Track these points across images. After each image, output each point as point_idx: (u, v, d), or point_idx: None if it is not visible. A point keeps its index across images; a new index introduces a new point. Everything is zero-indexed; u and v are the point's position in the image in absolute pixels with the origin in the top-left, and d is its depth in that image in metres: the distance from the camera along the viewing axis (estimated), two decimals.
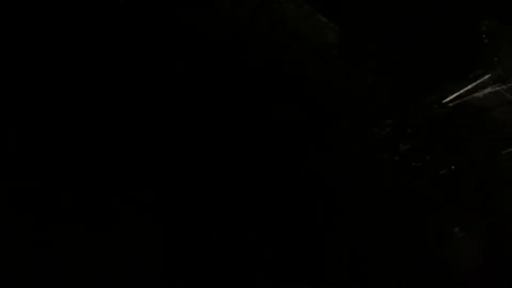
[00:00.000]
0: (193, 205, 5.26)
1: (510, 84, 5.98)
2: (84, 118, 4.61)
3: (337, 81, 6.45)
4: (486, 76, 5.99)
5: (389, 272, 7.32)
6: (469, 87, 6.17)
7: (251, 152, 6.06)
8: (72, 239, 4.23)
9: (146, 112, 5.14)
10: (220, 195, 5.49)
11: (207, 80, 5.73)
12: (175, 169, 5.24)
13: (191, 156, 5.44)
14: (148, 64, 5.16)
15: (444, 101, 6.46)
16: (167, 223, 5.01)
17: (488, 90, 6.11)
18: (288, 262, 5.93)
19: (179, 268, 4.96)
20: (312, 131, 6.86)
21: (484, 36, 5.83)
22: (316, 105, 6.74)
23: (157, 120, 5.18)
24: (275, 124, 6.37)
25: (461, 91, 6.25)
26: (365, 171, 7.40)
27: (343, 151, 7.28)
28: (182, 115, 5.42)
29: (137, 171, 4.91)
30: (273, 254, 5.87)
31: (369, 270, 7.42)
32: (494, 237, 7.29)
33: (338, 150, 7.19)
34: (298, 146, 6.75)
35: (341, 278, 6.43)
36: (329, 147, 7.04)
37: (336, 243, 6.85)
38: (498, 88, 6.05)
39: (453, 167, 7.34)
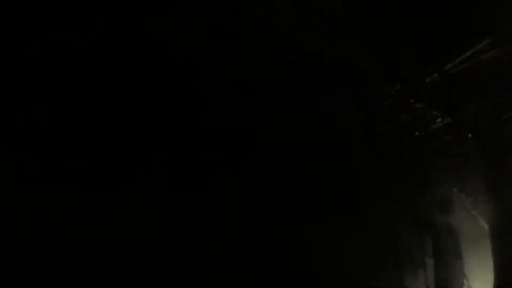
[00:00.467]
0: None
1: (509, 49, 6.01)
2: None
3: (335, 54, 6.48)
4: (486, 41, 6.01)
5: None
6: (469, 53, 6.20)
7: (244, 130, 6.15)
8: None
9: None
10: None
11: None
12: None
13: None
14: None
15: (444, 68, 6.50)
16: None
17: (488, 55, 6.14)
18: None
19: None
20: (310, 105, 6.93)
21: (483, 2, 5.85)
22: (314, 78, 6.78)
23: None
24: (267, 97, 6.42)
25: (461, 57, 6.28)
26: (367, 143, 7.51)
27: (344, 124, 7.36)
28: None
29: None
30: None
31: None
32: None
33: (339, 123, 7.27)
34: (296, 121, 6.82)
35: None
36: (329, 120, 7.11)
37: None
38: (497, 53, 6.08)
39: (456, 134, 7.43)
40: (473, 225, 8.31)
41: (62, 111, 4.32)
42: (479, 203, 8.06)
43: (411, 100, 7.09)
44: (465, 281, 8.01)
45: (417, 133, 7.54)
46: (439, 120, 7.49)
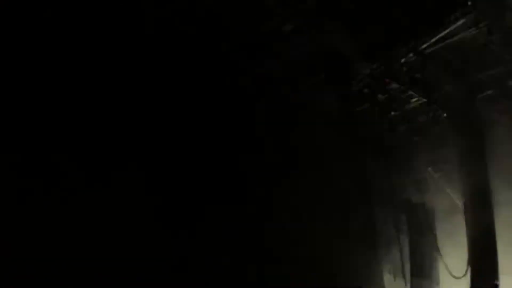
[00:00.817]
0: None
1: (485, 28, 5.97)
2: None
3: (309, 33, 6.38)
4: (461, 21, 5.96)
5: None
6: (444, 33, 6.14)
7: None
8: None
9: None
10: None
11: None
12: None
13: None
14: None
15: (420, 48, 6.45)
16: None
17: (463, 34, 6.10)
18: None
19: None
20: (285, 85, 6.86)
21: None
22: (290, 58, 6.69)
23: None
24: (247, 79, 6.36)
25: (437, 37, 6.23)
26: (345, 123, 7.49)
27: (320, 105, 7.30)
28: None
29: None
30: None
31: None
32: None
33: (314, 104, 7.21)
34: (272, 99, 6.75)
35: None
36: (304, 101, 7.05)
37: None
38: (473, 32, 6.04)
39: (431, 114, 7.45)
40: (447, 202, 8.43)
41: None
42: (453, 181, 8.14)
43: (387, 80, 7.05)
44: (439, 257, 8.16)
45: (392, 113, 7.53)
46: (414, 99, 7.49)
